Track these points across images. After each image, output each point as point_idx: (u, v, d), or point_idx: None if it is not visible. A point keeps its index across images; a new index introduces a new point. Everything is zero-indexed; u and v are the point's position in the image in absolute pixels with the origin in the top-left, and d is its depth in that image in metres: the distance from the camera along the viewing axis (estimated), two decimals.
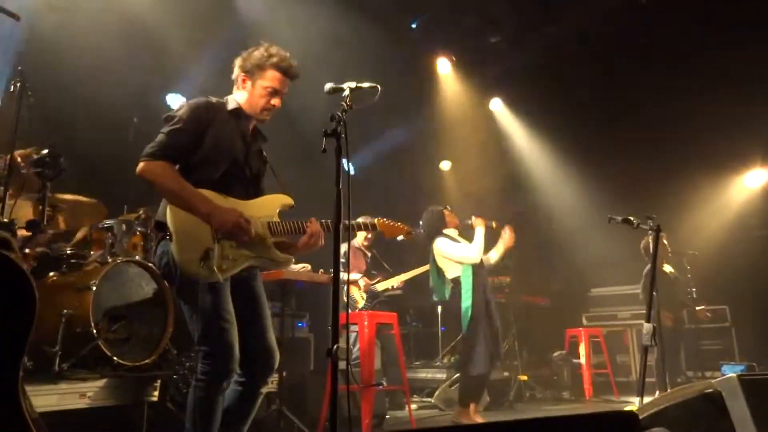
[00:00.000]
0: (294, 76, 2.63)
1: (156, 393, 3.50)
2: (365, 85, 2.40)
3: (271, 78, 2.57)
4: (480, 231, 4.70)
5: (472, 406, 4.53)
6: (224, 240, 2.40)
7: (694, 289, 6.37)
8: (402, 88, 7.86)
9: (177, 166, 2.45)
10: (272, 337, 2.56)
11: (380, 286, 5.57)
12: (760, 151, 7.69)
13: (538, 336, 7.52)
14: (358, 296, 5.38)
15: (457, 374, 5.26)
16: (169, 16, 5.72)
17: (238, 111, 2.60)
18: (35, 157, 3.48)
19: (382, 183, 7.90)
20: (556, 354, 7.05)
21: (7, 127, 3.46)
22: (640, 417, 1.77)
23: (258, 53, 2.59)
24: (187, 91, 6.33)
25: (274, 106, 2.60)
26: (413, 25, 7.43)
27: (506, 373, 6.23)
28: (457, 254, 4.69)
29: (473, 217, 4.79)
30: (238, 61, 2.65)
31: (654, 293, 3.79)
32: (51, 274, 3.70)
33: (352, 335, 4.84)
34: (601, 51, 7.37)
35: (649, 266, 5.43)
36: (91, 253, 3.91)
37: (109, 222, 4.10)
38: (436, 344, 7.26)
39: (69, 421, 3.08)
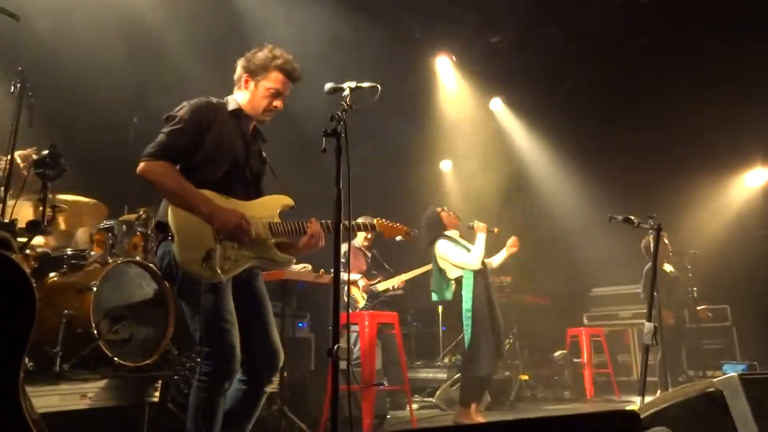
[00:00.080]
0: (297, 78, 2.64)
1: (157, 393, 3.51)
2: (365, 84, 2.40)
3: (274, 79, 2.57)
4: (481, 237, 4.67)
5: (473, 406, 4.52)
6: (226, 241, 2.39)
7: (695, 289, 6.35)
8: (402, 88, 7.89)
9: (178, 167, 2.45)
10: (276, 336, 2.55)
11: (381, 287, 5.56)
12: (760, 150, 7.69)
13: (539, 335, 7.51)
14: (359, 296, 5.38)
15: (458, 374, 5.26)
16: (169, 16, 5.72)
17: (238, 111, 2.60)
18: (35, 157, 3.47)
19: (382, 183, 7.89)
20: (557, 354, 7.06)
21: (7, 128, 3.46)
22: (642, 416, 1.76)
23: (262, 54, 2.59)
24: (187, 91, 6.32)
25: (276, 107, 2.60)
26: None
27: (507, 373, 6.22)
28: (458, 260, 4.68)
29: (476, 222, 4.76)
30: (241, 62, 2.64)
31: (655, 293, 3.79)
32: (51, 274, 3.70)
33: (353, 335, 4.84)
34: (601, 51, 7.35)
35: (649, 265, 5.42)
36: (92, 253, 3.92)
37: (109, 222, 4.11)
38: (437, 344, 7.27)
39: (70, 422, 3.08)
